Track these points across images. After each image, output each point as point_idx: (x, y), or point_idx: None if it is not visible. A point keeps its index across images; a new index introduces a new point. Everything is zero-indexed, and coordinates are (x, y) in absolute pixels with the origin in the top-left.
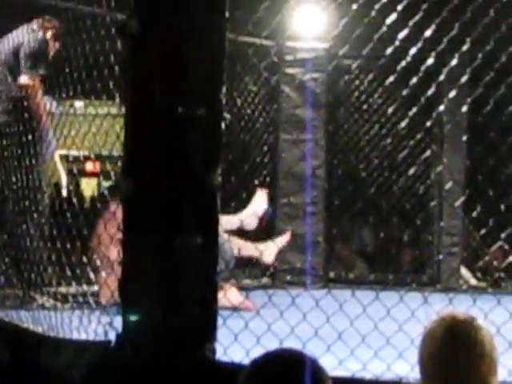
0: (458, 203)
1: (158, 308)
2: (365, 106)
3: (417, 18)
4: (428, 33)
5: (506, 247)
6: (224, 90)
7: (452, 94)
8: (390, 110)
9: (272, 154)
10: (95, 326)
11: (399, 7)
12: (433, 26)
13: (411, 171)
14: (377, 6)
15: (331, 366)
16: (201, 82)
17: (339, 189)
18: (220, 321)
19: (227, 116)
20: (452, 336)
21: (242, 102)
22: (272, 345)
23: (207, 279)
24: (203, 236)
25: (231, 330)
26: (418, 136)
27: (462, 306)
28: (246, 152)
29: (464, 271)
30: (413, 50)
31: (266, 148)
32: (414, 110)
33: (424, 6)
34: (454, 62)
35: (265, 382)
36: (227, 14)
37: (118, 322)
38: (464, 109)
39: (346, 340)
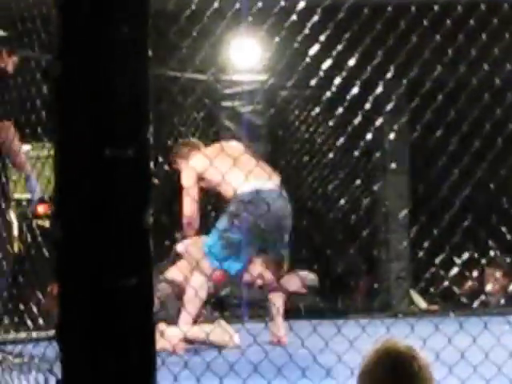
0: (402, 219)
1: (96, 354)
2: (306, 136)
3: (339, 47)
4: (351, 62)
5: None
6: (151, 129)
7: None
8: (333, 141)
9: None
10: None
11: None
12: (356, 55)
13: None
14: (299, 38)
15: None
16: (127, 122)
17: None
18: (159, 361)
19: (158, 157)
20: (395, 372)
21: (184, 136)
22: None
23: (144, 321)
24: (137, 277)
25: (171, 371)
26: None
27: (411, 331)
28: None
29: (415, 295)
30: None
31: None
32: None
33: (346, 36)
34: (379, 89)
35: None
36: (150, 54)
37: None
38: (391, 136)
39: (286, 374)
